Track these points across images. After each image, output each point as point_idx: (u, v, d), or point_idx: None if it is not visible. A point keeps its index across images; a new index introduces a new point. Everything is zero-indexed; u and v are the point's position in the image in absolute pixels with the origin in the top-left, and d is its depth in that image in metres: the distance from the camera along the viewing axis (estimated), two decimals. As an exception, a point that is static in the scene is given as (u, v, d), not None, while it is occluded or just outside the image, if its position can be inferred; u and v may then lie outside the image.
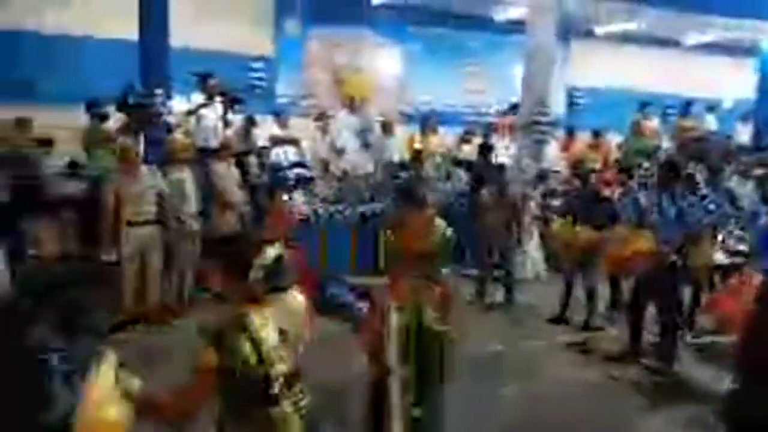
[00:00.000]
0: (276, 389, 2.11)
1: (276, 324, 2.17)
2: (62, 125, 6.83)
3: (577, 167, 6.63)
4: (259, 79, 9.57)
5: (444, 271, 3.36)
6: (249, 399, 2.10)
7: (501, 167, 7.06)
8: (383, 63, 10.45)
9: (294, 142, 8.31)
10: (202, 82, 6.91)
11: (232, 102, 7.19)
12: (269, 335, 2.12)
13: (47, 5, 7.99)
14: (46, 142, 6.58)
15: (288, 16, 9.78)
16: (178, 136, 6.26)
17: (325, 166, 8.20)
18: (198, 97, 6.93)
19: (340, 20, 9.92)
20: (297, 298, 2.45)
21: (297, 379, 2.20)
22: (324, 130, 8.47)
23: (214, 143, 6.88)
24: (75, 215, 5.75)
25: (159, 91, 6.66)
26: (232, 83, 7.49)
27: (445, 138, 9.08)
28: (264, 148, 7.87)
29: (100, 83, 6.84)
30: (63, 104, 7.23)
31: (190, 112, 6.86)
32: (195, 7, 8.26)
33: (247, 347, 2.05)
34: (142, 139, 6.35)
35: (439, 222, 3.44)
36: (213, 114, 7.03)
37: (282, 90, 9.83)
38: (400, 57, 10.54)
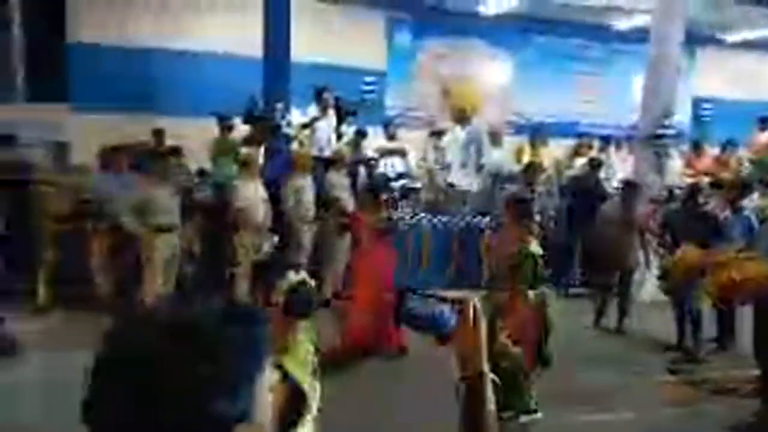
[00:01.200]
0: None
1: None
2: (190, 135, 7.38)
3: (716, 182, 6.14)
4: (370, 91, 9.81)
5: (539, 289, 3.29)
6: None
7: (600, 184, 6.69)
8: (493, 73, 10.37)
9: (401, 153, 8.44)
10: (318, 95, 7.23)
11: (345, 114, 7.46)
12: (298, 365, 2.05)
13: (180, 26, 8.69)
14: (175, 151, 7.15)
15: (399, 30, 9.97)
16: (298, 146, 6.60)
17: (432, 177, 8.25)
18: (313, 110, 7.26)
19: (451, 31, 9.98)
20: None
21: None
22: (434, 142, 8.53)
23: (327, 153, 7.19)
24: (204, 220, 6.18)
25: (279, 105, 7.02)
26: (345, 96, 7.77)
27: (556, 150, 8.82)
28: (372, 159, 8.05)
29: (227, 98, 7.31)
30: (192, 116, 7.88)
31: (305, 125, 7.21)
32: (313, 24, 8.63)
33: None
34: (263, 149, 6.71)
35: (529, 238, 3.36)
36: (327, 126, 7.34)
37: (391, 102, 10.01)
38: (511, 66, 10.41)
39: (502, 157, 8.40)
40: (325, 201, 6.41)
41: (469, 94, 9.93)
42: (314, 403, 2.06)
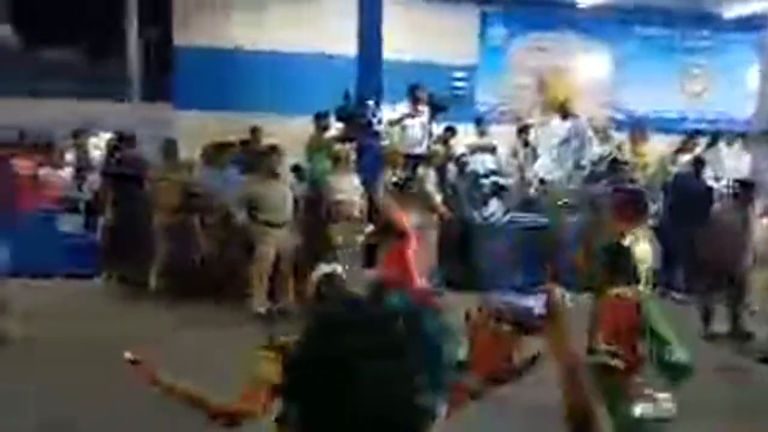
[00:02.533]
0: None
1: None
2: (285, 133, 7.66)
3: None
4: (461, 87, 9.73)
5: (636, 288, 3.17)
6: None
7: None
8: (591, 66, 9.96)
9: (491, 149, 8.33)
10: (410, 92, 7.29)
11: (437, 110, 7.47)
12: None
13: (278, 27, 9.02)
14: (274, 149, 7.46)
15: (492, 24, 9.81)
16: (389, 143, 6.70)
17: (523, 173, 8.08)
18: (403, 107, 7.33)
19: (545, 24, 9.70)
20: None
21: None
22: (525, 138, 8.34)
23: (417, 150, 7.25)
24: (302, 213, 6.42)
25: (371, 102, 7.14)
26: (435, 92, 7.78)
27: (659, 146, 8.35)
28: (462, 155, 8.00)
29: (322, 96, 7.53)
30: (288, 114, 8.19)
31: (395, 122, 7.30)
32: (405, 21, 8.67)
33: None
34: (355, 146, 6.86)
35: (632, 234, 3.21)
36: (417, 123, 7.38)
37: (482, 97, 9.89)
38: (610, 59, 9.95)
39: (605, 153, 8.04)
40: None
41: (565, 87, 9.60)
42: None
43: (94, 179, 7.38)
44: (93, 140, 7.86)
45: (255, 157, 6.80)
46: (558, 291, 1.15)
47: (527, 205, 7.58)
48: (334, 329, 0.71)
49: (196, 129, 7.75)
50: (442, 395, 0.70)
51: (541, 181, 7.87)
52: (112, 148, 7.26)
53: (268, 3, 9.02)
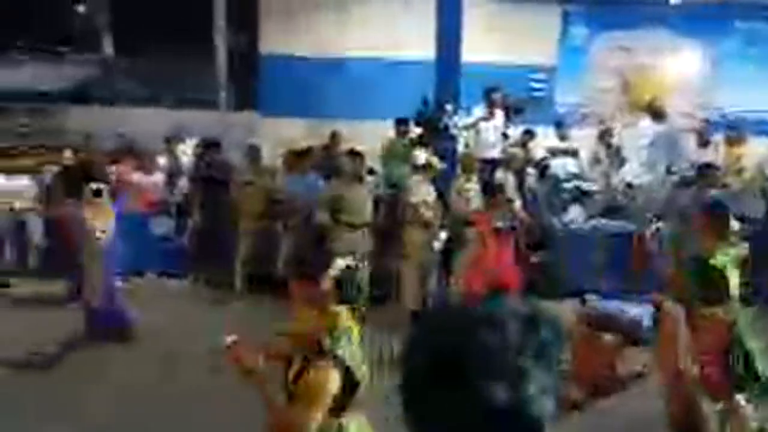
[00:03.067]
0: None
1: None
2: (363, 138, 7.78)
3: None
4: (540, 89, 9.51)
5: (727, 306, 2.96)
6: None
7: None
8: (682, 65, 9.43)
9: (573, 153, 8.08)
10: (487, 95, 7.20)
11: (515, 112, 7.35)
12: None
13: (359, 33, 9.17)
14: (354, 153, 7.59)
15: (573, 23, 9.52)
16: (468, 148, 6.67)
17: (608, 178, 7.78)
18: (479, 111, 7.26)
19: (632, 22, 9.29)
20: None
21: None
22: (608, 141, 8.02)
23: (493, 154, 7.16)
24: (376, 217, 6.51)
25: (448, 106, 7.12)
26: (514, 94, 7.65)
27: (759, 149, 7.78)
28: (543, 159, 7.81)
29: (400, 101, 7.59)
30: (366, 120, 8.32)
31: (469, 126, 7.26)
32: (483, 22, 8.58)
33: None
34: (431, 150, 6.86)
35: (720, 249, 3.00)
36: (492, 127, 7.29)
37: (562, 99, 9.61)
38: (703, 57, 9.38)
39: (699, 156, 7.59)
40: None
41: (652, 87, 9.16)
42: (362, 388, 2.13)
43: (183, 184, 7.79)
44: (182, 146, 8.29)
45: (336, 161, 6.96)
46: (669, 304, 1.11)
47: (612, 211, 7.28)
48: (450, 324, 0.71)
49: (279, 135, 8.03)
50: (555, 401, 0.69)
51: (629, 186, 7.54)
52: (199, 154, 7.64)
53: (349, 11, 9.20)
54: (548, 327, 0.70)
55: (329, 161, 7.20)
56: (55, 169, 7.83)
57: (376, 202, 6.51)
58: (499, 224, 5.55)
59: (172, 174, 7.82)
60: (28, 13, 12.62)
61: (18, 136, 9.90)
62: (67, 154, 8.08)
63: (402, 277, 6.06)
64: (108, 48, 12.30)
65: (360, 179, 6.17)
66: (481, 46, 8.38)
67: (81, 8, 12.71)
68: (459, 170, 6.57)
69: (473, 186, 6.22)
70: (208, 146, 7.45)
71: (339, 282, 2.18)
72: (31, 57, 11.45)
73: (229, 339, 2.19)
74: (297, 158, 6.84)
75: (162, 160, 8.08)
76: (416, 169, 6.33)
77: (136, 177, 7.87)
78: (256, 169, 6.98)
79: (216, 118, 9.39)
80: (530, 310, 0.71)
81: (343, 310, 2.19)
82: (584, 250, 6.69)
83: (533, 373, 0.67)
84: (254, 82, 9.35)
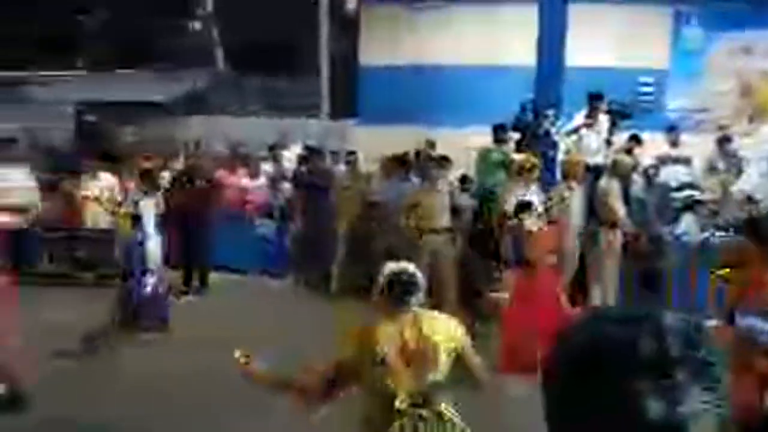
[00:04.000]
0: (400, 404, 2.09)
1: (400, 340, 2.14)
2: (458, 144, 7.73)
3: None
4: (648, 93, 9.02)
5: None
6: (375, 405, 2.15)
7: None
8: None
9: (685, 160, 7.58)
10: (588, 100, 6.93)
11: (621, 118, 7.02)
12: (389, 350, 2.12)
13: (457, 41, 9.17)
14: (445, 159, 7.58)
15: (687, 24, 8.97)
16: (570, 154, 6.45)
17: (725, 188, 7.21)
18: (581, 117, 7.00)
19: (753, 22, 8.60)
20: (438, 318, 2.32)
21: (426, 401, 2.12)
22: (726, 148, 7.45)
23: (597, 160, 6.86)
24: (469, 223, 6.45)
25: (549, 112, 6.92)
26: (620, 99, 7.30)
27: None
28: (652, 167, 7.38)
29: (499, 107, 7.49)
30: (461, 127, 8.28)
31: (571, 131, 7.01)
32: (588, 25, 8.29)
33: (369, 351, 2.13)
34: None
35: None
36: (595, 132, 7.00)
37: (673, 103, 9.06)
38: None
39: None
40: (596, 212, 6.11)
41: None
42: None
43: (286, 189, 8.12)
44: (286, 153, 8.65)
45: (425, 167, 7.01)
46: None
47: (729, 224, 6.73)
48: (606, 331, 0.68)
49: (377, 143, 8.19)
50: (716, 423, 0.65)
51: (749, 199, 6.94)
52: (302, 161, 7.95)
53: (448, 20, 9.23)
54: (708, 345, 0.66)
55: (420, 168, 7.24)
56: (167, 174, 8.44)
57: (455, 209, 6.45)
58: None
59: (276, 179, 8.17)
60: (147, 31, 13.81)
61: (138, 143, 10.77)
62: (180, 159, 8.70)
63: (501, 282, 5.95)
64: (219, 62, 13.14)
65: (435, 184, 6.14)
66: (586, 49, 8.10)
67: (196, 25, 13.67)
68: (560, 177, 6.36)
69: (576, 193, 5.99)
70: (310, 153, 7.74)
71: (391, 284, 2.24)
72: (152, 71, 12.44)
73: (238, 354, 2.32)
74: (393, 164, 6.94)
75: (267, 166, 8.46)
76: (516, 175, 6.20)
77: (243, 182, 8.32)
78: (354, 175, 7.16)
79: (318, 126, 9.74)
80: (690, 325, 0.67)
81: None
82: (696, 264, 6.23)
83: (692, 392, 0.63)
84: (354, 91, 9.60)
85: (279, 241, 7.81)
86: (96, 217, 7.49)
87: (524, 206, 5.32)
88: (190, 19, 13.81)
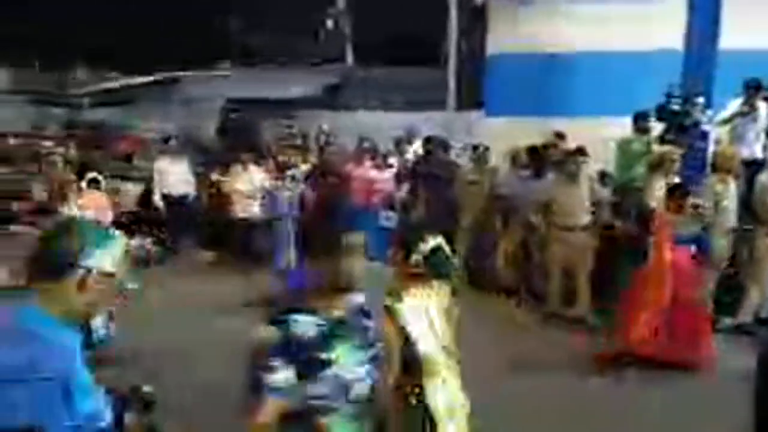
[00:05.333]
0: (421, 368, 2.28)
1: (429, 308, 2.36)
2: (592, 136, 7.30)
3: None
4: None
5: None
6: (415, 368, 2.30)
7: None
8: None
9: None
10: (747, 88, 6.21)
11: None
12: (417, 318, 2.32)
13: (593, 26, 8.66)
14: (580, 151, 7.18)
15: None
16: (723, 146, 5.87)
17: None
18: (735, 105, 6.29)
19: None
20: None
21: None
22: None
23: (748, 154, 6.15)
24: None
25: (699, 99, 6.32)
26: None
27: None
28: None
29: (639, 95, 6.97)
30: (594, 116, 7.82)
31: (724, 121, 6.35)
32: (746, 4, 7.42)
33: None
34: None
35: None
36: (751, 123, 6.28)
37: None
38: None
39: None
40: (755, 210, 5.48)
41: None
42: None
43: (410, 180, 8.19)
44: (411, 146, 8.72)
45: (556, 160, 6.70)
46: None
47: None
48: None
49: (505, 134, 8.00)
50: None
51: None
52: (425, 152, 7.96)
53: (582, 3, 8.76)
54: None
55: (551, 160, 6.92)
56: (303, 167, 8.89)
57: (595, 204, 6.06)
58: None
59: (401, 171, 8.27)
60: (282, 31, 14.66)
61: (276, 138, 11.47)
62: (313, 153, 9.13)
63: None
64: (349, 57, 13.62)
65: (575, 179, 5.82)
66: (742, 30, 7.26)
67: (329, 23, 14.26)
68: (710, 171, 5.79)
69: (730, 188, 5.42)
70: (435, 145, 7.73)
71: (426, 259, 2.43)
72: (287, 69, 13.17)
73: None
74: (521, 156, 6.73)
75: (393, 159, 8.61)
76: (656, 168, 5.74)
77: (370, 174, 8.52)
78: (480, 168, 7.03)
79: (444, 118, 9.72)
80: None
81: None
82: None
83: None
84: (481, 83, 9.46)
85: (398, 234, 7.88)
86: (244, 207, 8.06)
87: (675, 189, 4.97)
88: (324, 17, 14.42)
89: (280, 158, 8.89)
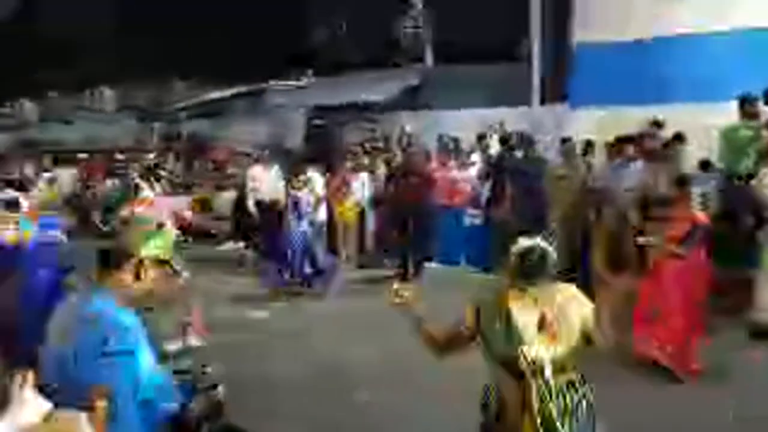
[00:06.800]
0: (525, 369, 2.21)
1: (536, 311, 2.27)
2: (697, 123, 6.82)
3: None
4: None
5: None
6: (500, 366, 2.29)
7: None
8: None
9: None
10: None
11: None
12: (523, 319, 2.26)
13: (684, 8, 8.11)
14: (678, 138, 6.73)
15: None
16: None
17: None
18: None
19: None
20: (566, 290, 2.38)
21: (559, 371, 2.23)
22: None
23: None
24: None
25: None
26: None
27: None
28: None
29: (744, 78, 6.45)
30: (701, 103, 7.30)
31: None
32: None
33: (498, 323, 2.28)
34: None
35: None
36: None
37: None
38: None
39: None
40: None
41: None
42: None
43: (493, 178, 7.99)
44: (494, 143, 8.52)
45: (653, 150, 6.31)
46: None
47: None
48: None
49: (596, 126, 7.67)
50: None
51: None
52: (509, 149, 7.75)
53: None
54: None
55: (647, 151, 6.51)
56: (383, 168, 8.92)
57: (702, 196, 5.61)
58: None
59: (485, 169, 8.10)
60: (364, 34, 14.86)
61: (358, 142, 11.61)
62: (395, 154, 9.14)
63: (756, 284, 5.09)
64: (429, 57, 13.60)
65: (676, 170, 5.43)
66: None
67: (408, 24, 14.32)
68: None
69: None
70: (519, 140, 7.53)
71: (521, 259, 2.37)
72: (368, 74, 13.31)
73: (396, 287, 2.56)
74: (615, 147, 6.40)
75: (476, 157, 8.46)
76: (763, 156, 5.26)
77: (453, 173, 8.41)
78: (570, 162, 6.76)
79: (529, 112, 9.44)
80: None
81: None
82: None
83: None
84: (568, 74, 9.11)
85: (485, 232, 7.73)
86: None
87: None
88: (402, 18, 14.50)
89: (363, 162, 9.00)
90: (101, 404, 1.53)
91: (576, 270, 6.40)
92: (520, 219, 6.94)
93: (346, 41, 16.30)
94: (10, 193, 5.14)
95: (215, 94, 15.63)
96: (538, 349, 2.23)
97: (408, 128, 10.46)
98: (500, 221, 7.22)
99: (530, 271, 2.34)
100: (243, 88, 14.91)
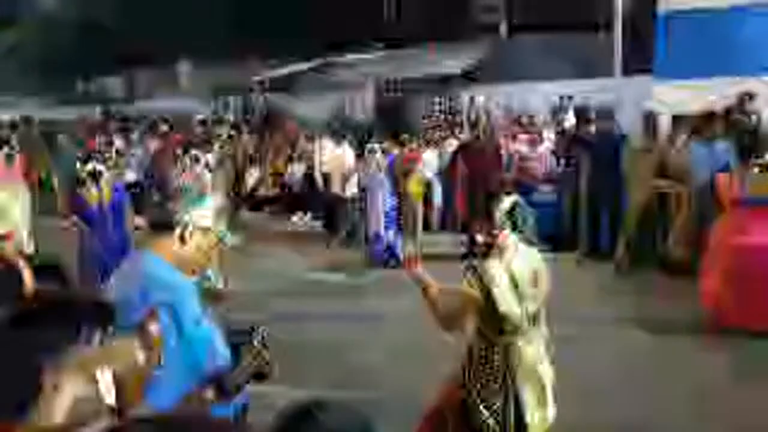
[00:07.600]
0: (519, 323, 2.39)
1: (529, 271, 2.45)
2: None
3: None
4: None
5: None
6: (495, 327, 2.41)
7: None
8: None
9: None
10: None
11: None
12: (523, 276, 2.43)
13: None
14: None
15: None
16: None
17: None
18: None
19: None
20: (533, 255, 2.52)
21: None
22: None
23: None
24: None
25: None
26: None
27: None
28: None
29: None
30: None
31: None
32: None
33: (505, 278, 2.38)
34: None
35: None
36: None
37: None
38: None
39: None
40: None
41: None
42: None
43: (566, 154, 7.72)
44: (570, 117, 8.21)
45: (740, 126, 5.89)
46: None
47: None
48: None
49: (682, 99, 7.22)
50: None
51: None
52: (585, 122, 7.44)
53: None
54: None
55: (734, 127, 6.07)
56: (454, 142, 8.78)
57: None
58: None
59: (559, 143, 7.84)
60: (432, 9, 14.56)
61: (429, 114, 11.51)
62: (466, 128, 9.00)
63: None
64: (503, 29, 13.19)
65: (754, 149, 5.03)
66: None
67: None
68: None
69: None
70: (596, 114, 7.21)
71: (510, 213, 2.46)
72: (439, 46, 13.07)
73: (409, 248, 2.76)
74: (701, 123, 6.00)
75: (549, 131, 8.19)
76: None
77: (524, 148, 8.18)
78: (651, 137, 6.40)
79: (609, 85, 9.01)
80: None
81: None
82: None
83: None
84: (652, 44, 8.59)
85: (558, 210, 7.48)
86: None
87: None
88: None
89: (433, 135, 8.90)
90: (154, 327, 1.64)
91: (651, 249, 6.17)
92: (594, 196, 6.70)
93: (414, 11, 16.06)
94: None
95: (288, 69, 15.88)
96: (530, 304, 2.42)
97: (479, 101, 10.25)
98: (572, 197, 6.99)
99: (514, 229, 2.47)
100: (314, 63, 15.05)
